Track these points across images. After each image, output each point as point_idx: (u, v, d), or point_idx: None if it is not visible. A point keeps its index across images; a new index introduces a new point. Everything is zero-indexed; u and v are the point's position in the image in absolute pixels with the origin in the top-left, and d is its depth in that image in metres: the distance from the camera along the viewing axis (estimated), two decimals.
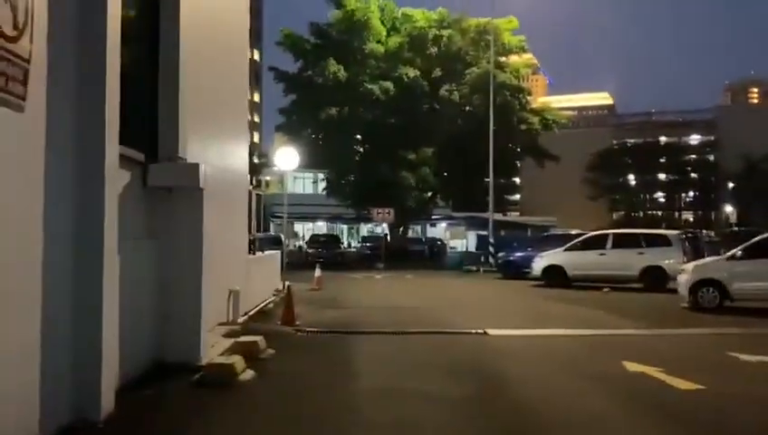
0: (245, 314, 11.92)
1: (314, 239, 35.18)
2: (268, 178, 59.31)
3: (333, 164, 32.79)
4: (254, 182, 69.32)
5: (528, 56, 33.68)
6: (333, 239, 36.27)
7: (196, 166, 6.92)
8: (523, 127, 30.84)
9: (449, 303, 15.70)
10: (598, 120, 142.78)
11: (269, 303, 13.82)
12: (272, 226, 50.16)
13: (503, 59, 31.43)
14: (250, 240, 13.28)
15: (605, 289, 17.84)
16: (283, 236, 36.15)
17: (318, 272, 18.81)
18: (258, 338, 8.21)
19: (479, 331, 10.39)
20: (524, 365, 7.91)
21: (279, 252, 17.19)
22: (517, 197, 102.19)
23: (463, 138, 30.78)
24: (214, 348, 7.90)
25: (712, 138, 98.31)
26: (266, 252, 15.86)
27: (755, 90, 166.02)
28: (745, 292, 12.86)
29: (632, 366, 7.51)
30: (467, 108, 30.68)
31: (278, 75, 34.89)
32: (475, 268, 27.69)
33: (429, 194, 33.63)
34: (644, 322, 11.59)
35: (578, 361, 8.11)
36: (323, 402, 5.98)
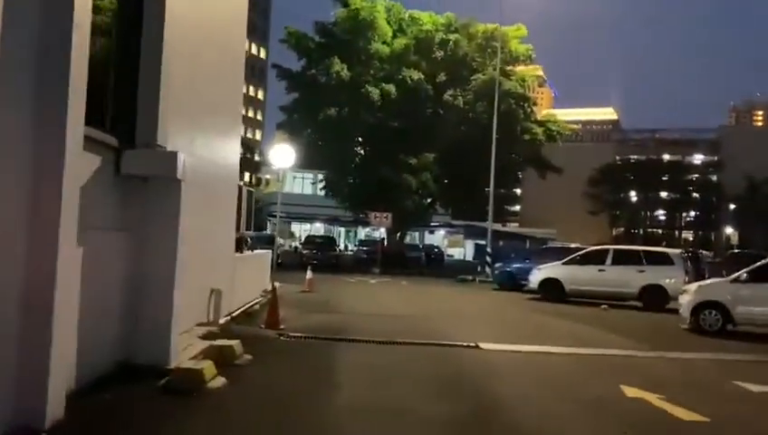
0: (229, 314, 11.45)
1: (309, 240, 34.62)
2: (268, 176, 58.90)
3: (332, 165, 32.34)
4: (252, 180, 68.81)
5: (535, 67, 33.24)
6: (329, 241, 35.71)
7: (173, 154, 6.45)
8: (527, 137, 30.39)
9: (442, 312, 15.22)
10: (602, 135, 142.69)
11: (255, 304, 13.34)
12: (268, 225, 49.79)
13: (509, 67, 31.03)
14: (238, 238, 12.81)
15: (603, 306, 17.35)
16: (277, 236, 35.81)
17: (309, 274, 18.33)
18: (235, 342, 7.73)
19: (471, 344, 9.92)
20: (517, 385, 7.43)
21: (269, 251, 16.68)
22: (517, 208, 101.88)
23: (465, 145, 30.32)
24: (186, 350, 7.43)
25: (715, 158, 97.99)
26: (255, 251, 15.39)
27: (760, 112, 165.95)
28: (749, 316, 12.39)
29: (631, 391, 7.03)
30: (471, 114, 30.20)
31: (281, 73, 34.49)
32: (470, 278, 27.20)
33: (429, 200, 33.15)
34: (643, 343, 11.10)
35: (574, 383, 7.63)
36: (294, 419, 5.50)
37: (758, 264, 12.78)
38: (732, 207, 76.69)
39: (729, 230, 66.21)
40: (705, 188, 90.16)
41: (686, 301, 13.33)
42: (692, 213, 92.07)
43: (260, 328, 10.53)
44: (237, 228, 12.67)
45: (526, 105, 31.25)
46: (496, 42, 29.59)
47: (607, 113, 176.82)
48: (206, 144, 9.48)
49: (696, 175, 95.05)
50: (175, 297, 6.69)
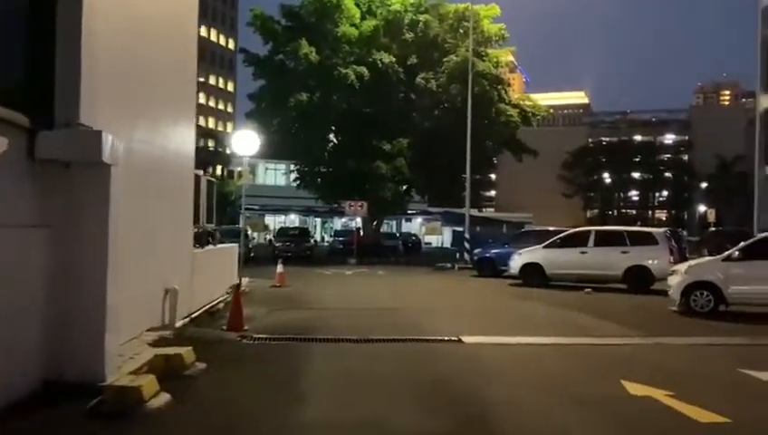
0: (189, 316, 10.48)
1: (283, 232, 33.42)
2: (239, 168, 57.49)
3: (304, 154, 31.21)
4: (224, 173, 67.29)
5: (509, 49, 32.38)
6: (303, 233, 34.56)
7: (97, 134, 5.45)
8: (502, 119, 29.62)
9: (421, 303, 14.43)
10: (574, 119, 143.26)
11: (220, 302, 12.34)
12: (241, 218, 48.53)
13: (482, 48, 30.17)
14: (198, 232, 11.80)
15: (587, 290, 16.68)
16: (249, 229, 34.61)
17: (280, 267, 17.36)
18: (185, 349, 6.78)
19: (453, 338, 9.12)
20: (507, 385, 6.62)
21: (236, 245, 15.66)
22: (493, 193, 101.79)
23: (440, 129, 29.42)
24: (129, 362, 6.47)
25: (686, 138, 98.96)
26: (220, 245, 14.37)
27: (727, 92, 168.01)
28: (743, 296, 11.77)
29: (634, 388, 6.27)
30: (445, 97, 29.28)
31: (248, 58, 33.25)
32: (449, 265, 26.45)
33: (404, 187, 32.23)
34: (635, 329, 10.42)
35: (569, 379, 6.85)
36: None
37: (751, 240, 12.20)
38: (703, 185, 77.22)
39: (703, 208, 66.55)
40: (677, 167, 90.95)
41: (675, 282, 12.68)
42: (664, 193, 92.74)
43: (221, 330, 9.59)
44: (196, 221, 11.67)
45: (500, 87, 30.45)
46: (468, 21, 28.69)
47: (578, 97, 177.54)
48: (151, 130, 8.45)
49: (668, 155, 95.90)
50: (109, 300, 5.71)
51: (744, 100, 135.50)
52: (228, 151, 68.90)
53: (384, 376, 6.89)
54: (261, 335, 9.17)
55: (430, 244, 53.47)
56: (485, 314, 12.79)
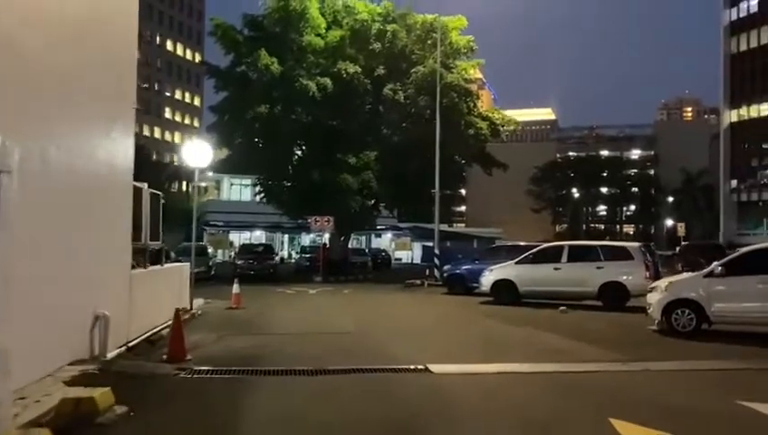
0: (126, 344, 9.37)
1: (245, 250, 31.93)
2: (204, 184, 55.79)
3: (268, 168, 30.05)
4: (190, 188, 65.60)
5: (477, 61, 31.79)
6: (266, 249, 33.18)
7: None
8: (472, 131, 28.97)
9: (388, 325, 13.46)
10: (541, 135, 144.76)
11: (165, 327, 11.19)
12: (204, 235, 46.89)
13: (450, 60, 29.54)
14: (139, 249, 10.66)
15: (562, 308, 15.90)
16: (209, 247, 33.21)
17: (236, 288, 16.21)
18: (99, 392, 5.68)
19: (420, 367, 8.17)
20: (482, 431, 5.68)
21: (186, 265, 14.50)
22: (464, 208, 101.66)
23: (408, 141, 28.61)
24: (34, 407, 5.39)
25: (652, 153, 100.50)
26: (168, 265, 13.21)
27: (690, 108, 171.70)
28: (727, 314, 11.07)
29: (627, 429, 5.41)
30: (413, 109, 28.51)
31: (209, 70, 32.13)
32: (418, 282, 25.54)
33: (372, 201, 31.27)
34: (617, 352, 9.59)
35: (553, 420, 5.93)
36: None
37: (734, 255, 11.54)
38: (670, 199, 78.14)
39: (670, 222, 67.06)
40: (644, 182, 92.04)
41: (655, 299, 11.96)
42: (632, 207, 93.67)
43: (160, 361, 8.48)
44: (137, 239, 10.55)
45: (469, 99, 29.83)
46: (436, 33, 28.05)
47: (545, 114, 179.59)
48: (71, 138, 7.40)
49: (635, 170, 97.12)
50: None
51: (706, 116, 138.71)
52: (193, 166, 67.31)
53: (341, 417, 5.91)
54: (202, 368, 8.08)
55: (400, 259, 52.62)
56: (456, 336, 11.87)
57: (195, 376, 7.65)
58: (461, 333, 12.25)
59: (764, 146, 39.71)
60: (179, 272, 14.01)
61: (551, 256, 17.72)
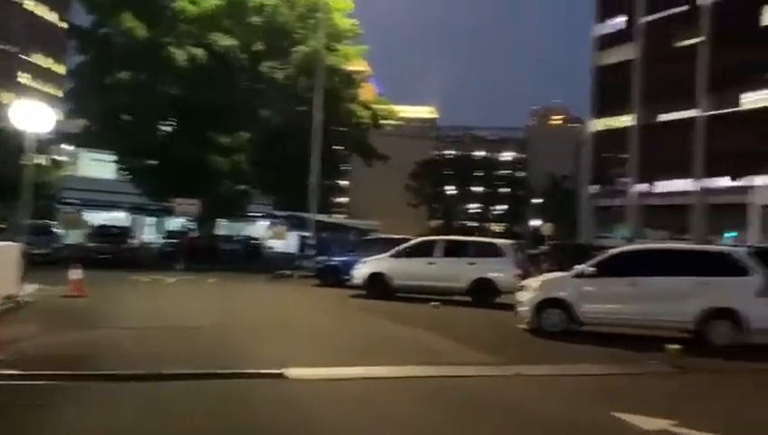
0: None
1: (99, 232, 28.69)
2: (56, 157, 50.61)
3: (130, 143, 27.33)
4: (45, 161, 59.63)
5: (362, 47, 30.93)
6: (122, 232, 30.05)
7: None
8: (353, 120, 28.15)
9: (248, 318, 12.28)
10: (422, 131, 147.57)
11: None
12: (59, 214, 42.41)
13: (333, 44, 28.45)
14: None
15: (434, 303, 15.47)
16: (59, 226, 29.84)
17: (75, 273, 14.20)
18: None
19: (274, 371, 7.12)
20: None
21: (14, 245, 12.38)
22: (344, 199, 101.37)
23: (287, 124, 27.14)
24: None
25: (523, 155, 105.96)
26: None
27: (558, 117, 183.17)
28: (596, 315, 11.04)
29: None
30: (292, 91, 27.12)
31: (71, 30, 28.88)
32: (288, 273, 24.34)
33: (244, 186, 29.46)
34: (491, 353, 9.12)
35: None
36: None
37: (605, 256, 11.54)
38: (537, 201, 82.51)
39: (538, 222, 70.71)
40: (514, 183, 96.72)
41: (526, 298, 11.73)
42: (503, 206, 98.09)
43: None
44: None
45: (352, 86, 28.97)
46: (319, 12, 26.85)
47: (428, 112, 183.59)
48: None
49: (507, 171, 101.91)
50: None
51: (570, 125, 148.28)
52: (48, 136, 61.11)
53: None
54: (10, 371, 6.51)
55: (272, 249, 50.96)
56: (322, 333, 10.95)
57: None
58: (328, 330, 11.35)
59: (621, 155, 42.39)
60: (6, 252, 11.91)
61: (425, 251, 17.32)
